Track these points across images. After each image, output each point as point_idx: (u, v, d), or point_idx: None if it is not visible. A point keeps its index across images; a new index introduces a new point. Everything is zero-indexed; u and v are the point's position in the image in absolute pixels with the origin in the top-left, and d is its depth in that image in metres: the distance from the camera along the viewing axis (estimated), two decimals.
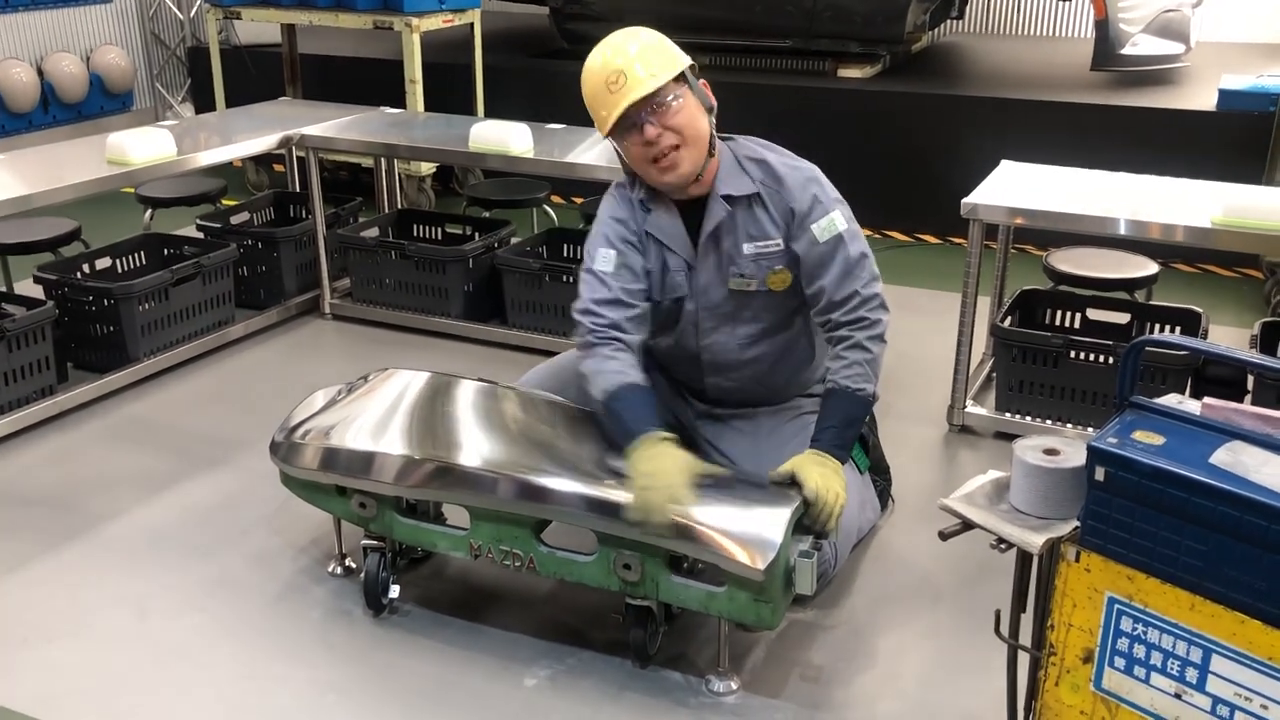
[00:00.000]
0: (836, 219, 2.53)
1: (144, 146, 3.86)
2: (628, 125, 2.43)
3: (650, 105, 2.41)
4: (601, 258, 2.57)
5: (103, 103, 7.14)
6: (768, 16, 5.94)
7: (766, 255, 2.56)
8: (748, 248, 2.56)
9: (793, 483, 2.34)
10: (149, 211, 4.77)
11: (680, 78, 2.46)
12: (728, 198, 2.54)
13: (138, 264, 4.27)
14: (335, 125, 4.49)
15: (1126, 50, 5.44)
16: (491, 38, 6.26)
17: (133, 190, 4.66)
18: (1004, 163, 3.78)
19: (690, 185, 2.52)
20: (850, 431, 2.50)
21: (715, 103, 2.54)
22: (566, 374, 2.84)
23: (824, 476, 2.33)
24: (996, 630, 1.89)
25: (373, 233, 4.53)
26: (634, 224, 2.60)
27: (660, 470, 2.27)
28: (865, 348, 2.50)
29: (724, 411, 2.79)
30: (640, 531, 2.25)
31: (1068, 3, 6.97)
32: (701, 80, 2.54)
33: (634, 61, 2.42)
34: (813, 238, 2.51)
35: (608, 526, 2.31)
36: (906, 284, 4.68)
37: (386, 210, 4.93)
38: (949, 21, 7.15)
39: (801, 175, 2.56)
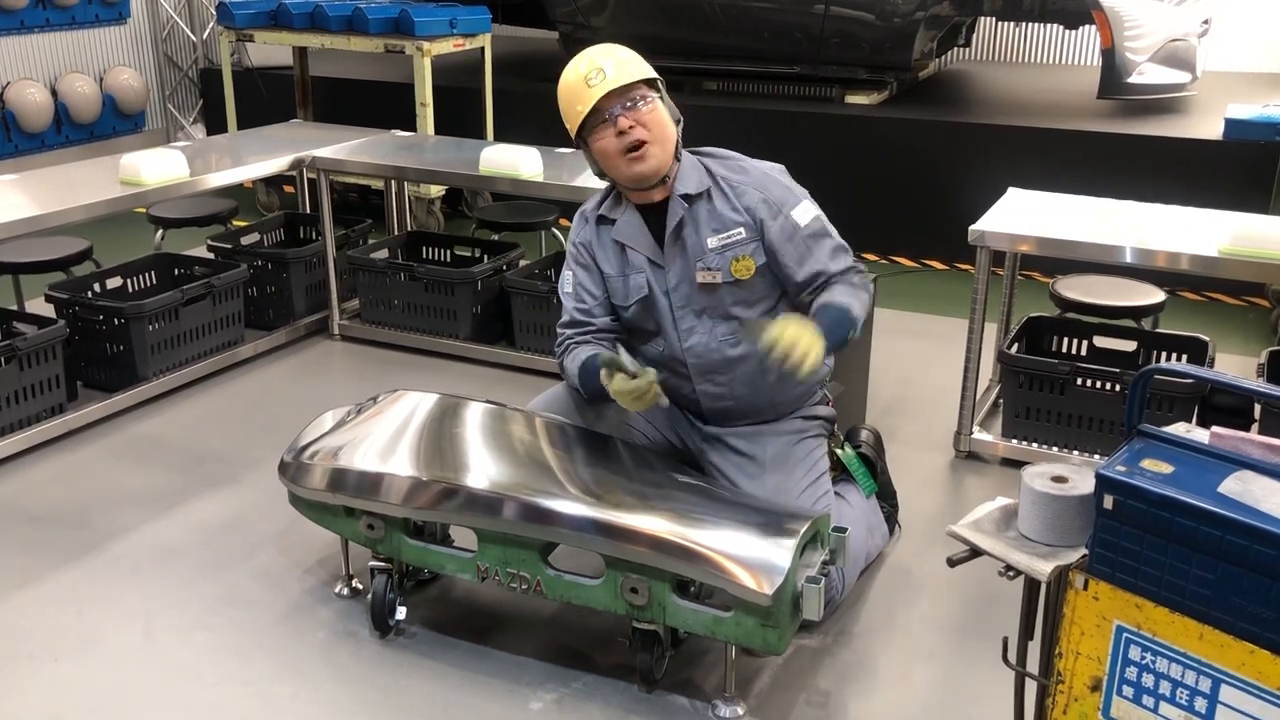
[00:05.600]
0: (810, 205, 2.64)
1: (157, 167, 3.89)
2: (600, 119, 2.53)
3: (624, 99, 2.52)
4: (564, 280, 2.80)
5: (115, 123, 7.19)
6: (775, 43, 5.98)
7: (731, 245, 2.62)
8: (712, 240, 2.62)
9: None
10: (160, 232, 4.79)
11: (652, 84, 2.59)
12: (685, 196, 2.62)
13: (148, 284, 4.29)
14: (346, 148, 4.53)
15: (1133, 79, 5.46)
16: (501, 62, 6.30)
17: (144, 210, 4.69)
18: (1011, 190, 3.80)
19: (654, 188, 2.61)
20: (838, 331, 2.49)
21: (682, 116, 2.65)
22: (576, 397, 2.85)
23: (788, 323, 2.37)
24: (1004, 658, 1.89)
25: (382, 254, 4.55)
26: (586, 242, 2.75)
27: (627, 389, 2.43)
28: (855, 285, 2.61)
29: (726, 432, 2.79)
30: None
31: (1074, 31, 7.00)
32: (668, 98, 2.65)
33: (614, 62, 2.55)
34: (793, 222, 2.60)
35: (615, 550, 2.32)
36: (913, 309, 4.69)
37: (396, 232, 4.96)
38: (956, 49, 7.19)
39: (765, 167, 2.69)
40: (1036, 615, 1.85)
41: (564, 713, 2.40)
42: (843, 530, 2.44)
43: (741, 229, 2.61)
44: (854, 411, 3.50)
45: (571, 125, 2.60)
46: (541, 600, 2.53)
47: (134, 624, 2.71)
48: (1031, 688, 1.88)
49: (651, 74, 2.59)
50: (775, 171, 2.68)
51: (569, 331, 2.76)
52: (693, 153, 2.70)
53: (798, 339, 2.34)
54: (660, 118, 2.57)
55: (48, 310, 3.90)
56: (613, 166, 2.60)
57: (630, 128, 2.53)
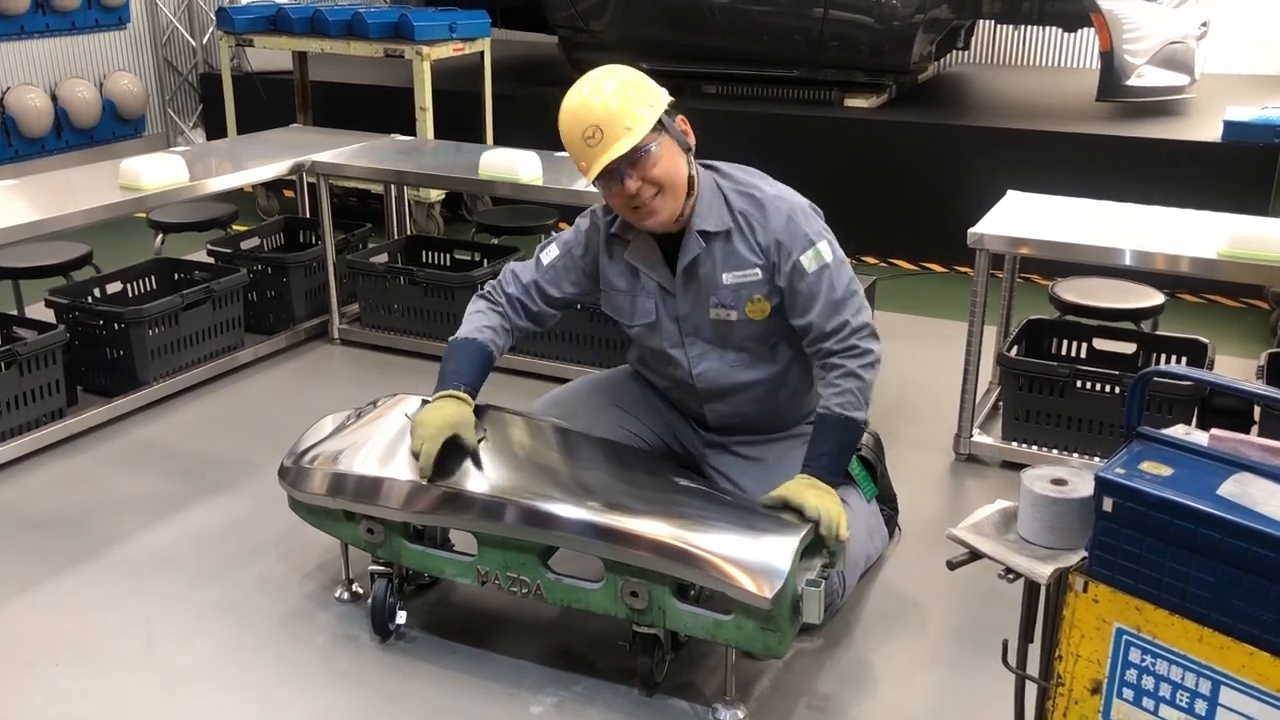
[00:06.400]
0: (823, 249, 2.53)
1: (157, 172, 3.89)
2: (607, 177, 2.44)
3: (628, 159, 2.41)
4: (547, 251, 2.76)
5: (115, 128, 7.19)
6: (774, 46, 5.98)
7: (745, 285, 2.57)
8: (727, 278, 2.57)
9: (785, 507, 2.35)
10: (160, 236, 4.80)
11: (658, 125, 2.44)
12: (703, 233, 2.55)
13: (148, 288, 4.29)
14: (346, 152, 4.53)
15: (1132, 81, 5.47)
16: (501, 66, 6.31)
17: (144, 215, 4.69)
18: (1010, 192, 3.80)
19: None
20: (843, 458, 2.51)
21: (694, 142, 2.54)
22: (575, 401, 2.86)
23: (819, 498, 2.34)
24: (1004, 660, 1.89)
25: (382, 259, 4.55)
26: (589, 240, 2.72)
27: (427, 422, 2.50)
28: (857, 375, 2.50)
29: (730, 440, 2.80)
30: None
31: (1073, 34, 7.01)
32: (679, 117, 2.52)
33: (611, 114, 2.39)
34: (800, 269, 2.52)
35: (615, 554, 2.32)
36: (912, 313, 4.69)
37: (396, 236, 4.96)
38: (955, 52, 7.20)
39: (786, 207, 2.56)
40: (1036, 618, 1.85)
41: (564, 716, 2.40)
42: None
43: (757, 269, 2.55)
44: None
45: (581, 173, 2.51)
46: (541, 604, 2.52)
47: (134, 630, 2.71)
48: (1031, 690, 1.88)
49: (656, 113, 2.43)
50: (796, 210, 2.56)
51: (510, 290, 2.74)
52: (707, 168, 2.60)
53: (834, 513, 2.33)
54: (669, 164, 2.45)
55: (48, 315, 3.90)
56: (624, 215, 2.56)
57: (638, 189, 2.44)
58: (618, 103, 2.41)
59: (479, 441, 2.57)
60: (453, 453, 2.58)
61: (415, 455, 2.49)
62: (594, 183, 2.48)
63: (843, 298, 2.53)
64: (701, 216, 2.55)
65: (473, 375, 2.63)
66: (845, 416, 2.48)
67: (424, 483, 2.47)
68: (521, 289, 2.74)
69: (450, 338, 2.73)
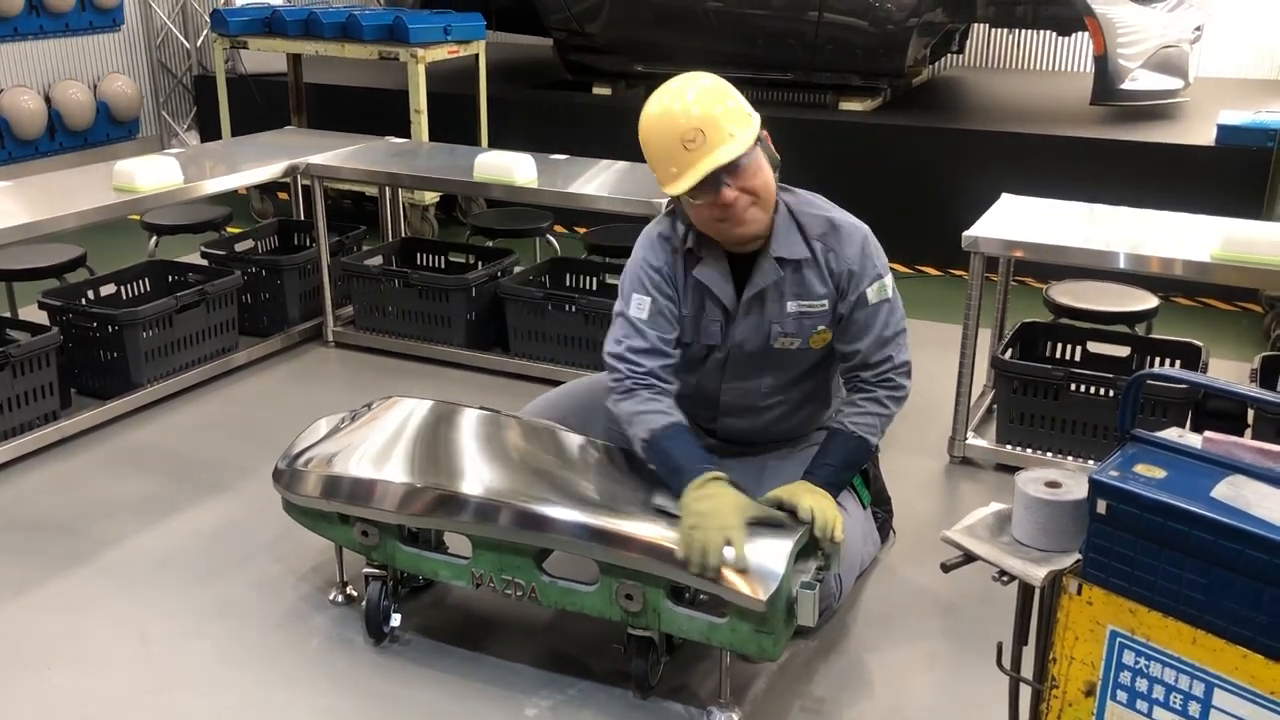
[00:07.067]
0: (888, 284, 2.53)
1: (151, 174, 3.89)
2: (701, 186, 2.32)
3: (730, 167, 2.31)
4: (636, 304, 2.52)
5: (109, 130, 7.18)
6: (769, 49, 5.99)
7: (810, 315, 2.53)
8: (791, 306, 2.52)
9: (780, 508, 2.35)
10: (154, 238, 4.79)
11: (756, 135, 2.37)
12: (780, 260, 2.49)
13: (142, 291, 4.29)
14: (340, 154, 4.53)
15: (1126, 85, 5.48)
16: (496, 69, 6.31)
17: (138, 217, 4.69)
18: (1004, 196, 3.81)
19: (750, 241, 2.47)
20: (847, 474, 2.52)
21: (780, 157, 2.46)
22: (569, 403, 2.85)
23: (815, 499, 2.34)
24: (998, 663, 1.89)
25: (376, 261, 4.55)
26: (669, 271, 2.53)
27: (714, 510, 2.24)
28: (883, 404, 2.53)
29: (732, 447, 2.80)
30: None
31: (1067, 37, 7.02)
32: (764, 132, 2.43)
33: (715, 119, 2.30)
34: (864, 299, 2.50)
35: (609, 556, 2.32)
36: (907, 315, 4.67)
37: (390, 239, 4.96)
38: (950, 55, 7.21)
39: (860, 235, 2.54)
40: (1030, 620, 1.86)
41: (559, 719, 2.40)
42: None
43: (825, 300, 2.51)
44: None
45: (663, 182, 2.38)
46: (536, 607, 2.53)
47: (128, 632, 2.70)
48: (1026, 693, 1.88)
49: (755, 123, 2.36)
50: (868, 239, 2.53)
51: (648, 363, 2.48)
52: (785, 197, 2.51)
53: (830, 514, 2.31)
54: (764, 177, 2.36)
55: (41, 317, 3.89)
56: (708, 229, 2.43)
57: (735, 199, 2.32)
58: (721, 109, 2.33)
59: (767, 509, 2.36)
60: (446, 454, 2.58)
61: (715, 549, 2.19)
62: (683, 193, 2.35)
63: (893, 335, 2.54)
64: (779, 242, 2.47)
65: (707, 457, 2.42)
66: (859, 436, 2.50)
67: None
68: (651, 356, 2.50)
69: (643, 440, 2.43)
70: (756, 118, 2.40)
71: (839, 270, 2.51)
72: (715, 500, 2.27)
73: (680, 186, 2.33)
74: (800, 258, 2.49)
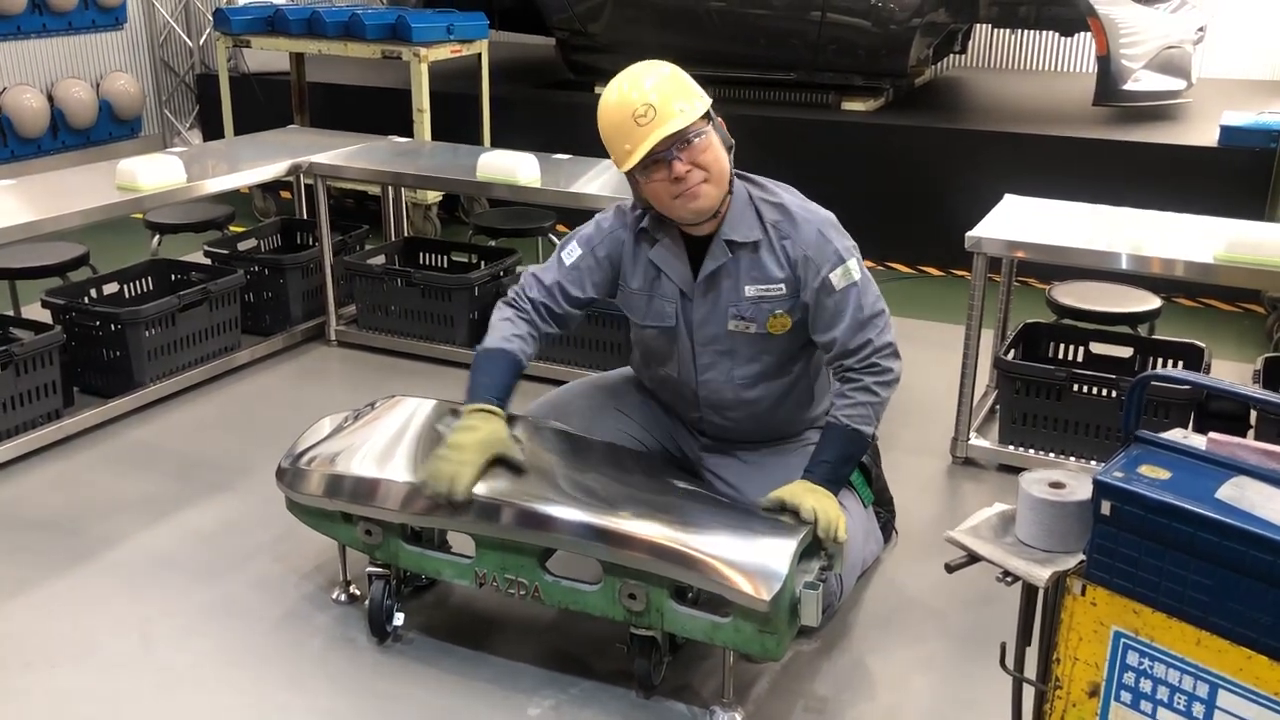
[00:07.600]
0: (852, 267, 2.53)
1: (154, 173, 3.89)
2: (653, 160, 2.41)
3: (680, 140, 2.39)
4: (569, 251, 2.69)
5: (111, 129, 7.19)
6: (772, 49, 5.99)
7: (768, 299, 2.56)
8: (749, 289, 2.55)
9: (783, 509, 2.35)
10: (156, 237, 4.79)
11: (705, 115, 2.46)
12: (730, 243, 2.54)
13: (145, 289, 4.29)
14: (343, 153, 4.53)
15: (1129, 85, 5.48)
16: (499, 68, 6.31)
17: (141, 216, 4.69)
18: (1007, 196, 3.80)
19: (704, 222, 2.52)
20: (845, 469, 2.51)
21: (733, 140, 2.54)
22: (572, 403, 2.85)
23: (817, 500, 2.34)
24: (1002, 663, 1.89)
25: (379, 260, 4.55)
26: (618, 238, 2.66)
27: (463, 443, 2.40)
28: (873, 391, 2.51)
29: (728, 445, 2.80)
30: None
31: (1070, 38, 7.02)
32: (719, 119, 2.53)
33: (665, 95, 2.40)
34: (828, 285, 2.50)
35: (613, 555, 2.32)
36: (909, 316, 4.69)
37: (393, 238, 4.96)
38: (952, 56, 7.21)
39: (817, 220, 2.56)
40: (1034, 621, 1.86)
41: (561, 719, 2.40)
42: None
43: (782, 285, 2.54)
44: None
45: (619, 161, 2.48)
46: (539, 606, 2.53)
47: (130, 631, 2.70)
48: (1029, 693, 1.88)
49: (705, 104, 2.46)
50: (826, 224, 2.56)
51: (533, 294, 2.67)
52: (739, 176, 2.58)
53: (832, 514, 2.33)
54: (716, 153, 2.45)
55: (44, 316, 3.90)
56: (664, 206, 2.50)
57: (687, 172, 2.41)
58: (671, 85, 2.44)
59: (519, 451, 2.50)
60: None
61: (445, 480, 2.38)
62: (635, 169, 2.44)
63: (869, 317, 2.53)
64: (731, 225, 2.53)
65: (503, 387, 2.55)
66: (853, 429, 2.49)
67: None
68: (544, 292, 2.67)
69: (477, 348, 2.65)
70: (708, 100, 2.48)
71: (795, 256, 2.53)
72: (470, 433, 2.42)
73: (633, 159, 2.42)
74: (751, 240, 2.54)
